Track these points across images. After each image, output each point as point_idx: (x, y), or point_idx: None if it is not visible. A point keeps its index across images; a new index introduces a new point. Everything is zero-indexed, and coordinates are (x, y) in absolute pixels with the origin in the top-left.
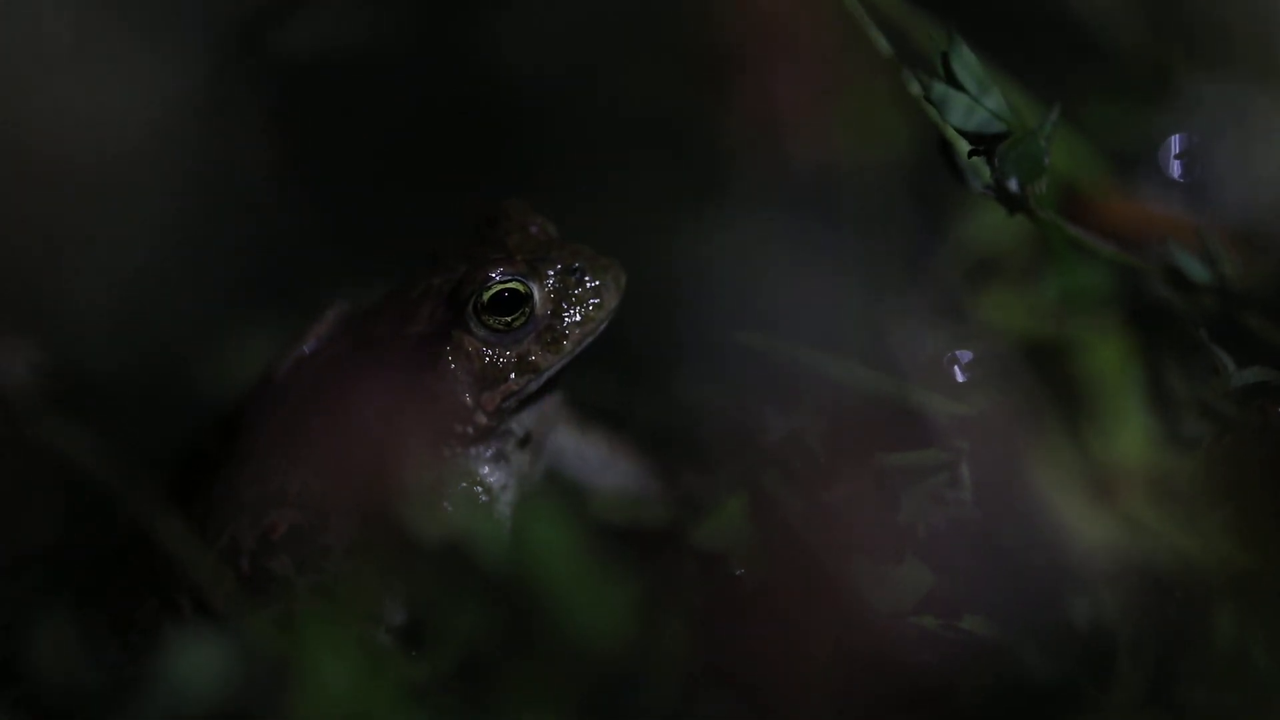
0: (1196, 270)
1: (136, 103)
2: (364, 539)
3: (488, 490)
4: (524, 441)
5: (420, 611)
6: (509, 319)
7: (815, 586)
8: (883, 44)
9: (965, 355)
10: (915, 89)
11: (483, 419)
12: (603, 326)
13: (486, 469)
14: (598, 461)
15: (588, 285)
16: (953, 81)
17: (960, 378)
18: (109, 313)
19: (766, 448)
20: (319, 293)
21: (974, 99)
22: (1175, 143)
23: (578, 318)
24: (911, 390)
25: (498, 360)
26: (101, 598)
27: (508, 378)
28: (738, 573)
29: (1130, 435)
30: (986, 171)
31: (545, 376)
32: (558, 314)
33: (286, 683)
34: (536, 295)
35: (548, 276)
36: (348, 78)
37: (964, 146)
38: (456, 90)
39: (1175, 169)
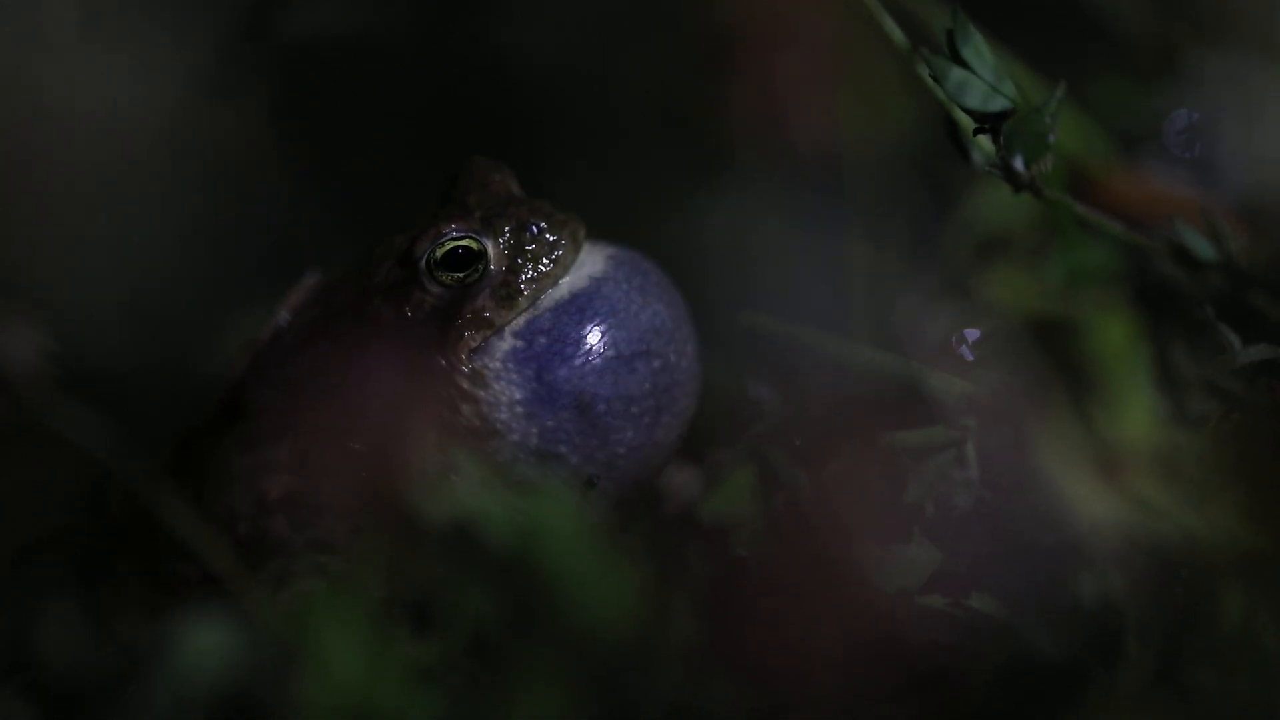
0: (1202, 248)
1: (142, 89)
2: (359, 504)
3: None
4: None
5: (426, 591)
6: (462, 275)
7: (822, 567)
8: (890, 24)
9: (972, 334)
10: (923, 70)
11: (462, 380)
12: (563, 279)
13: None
14: None
15: (545, 240)
16: (957, 60)
17: (968, 356)
18: (115, 297)
19: (772, 427)
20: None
21: (980, 78)
22: (1180, 120)
23: (532, 273)
24: (918, 369)
25: (454, 317)
26: (106, 582)
27: (464, 334)
28: (742, 554)
29: (1137, 414)
30: (992, 150)
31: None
32: (513, 269)
33: (293, 664)
34: (490, 251)
35: (503, 232)
36: (354, 63)
37: (969, 125)
38: (462, 74)
39: (1180, 147)
